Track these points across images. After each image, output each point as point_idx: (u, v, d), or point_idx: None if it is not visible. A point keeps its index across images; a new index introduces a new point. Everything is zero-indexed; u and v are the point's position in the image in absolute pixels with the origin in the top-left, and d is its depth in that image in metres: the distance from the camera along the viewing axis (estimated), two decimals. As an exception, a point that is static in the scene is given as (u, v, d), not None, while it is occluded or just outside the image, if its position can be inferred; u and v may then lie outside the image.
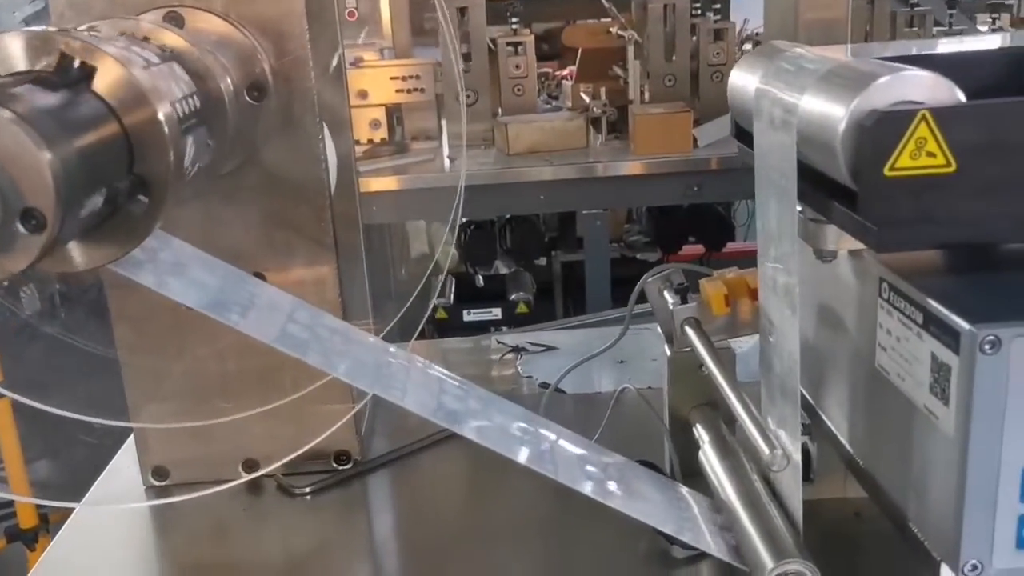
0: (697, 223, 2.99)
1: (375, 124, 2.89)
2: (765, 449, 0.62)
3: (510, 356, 1.26)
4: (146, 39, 0.70)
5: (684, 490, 0.82)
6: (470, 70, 2.82)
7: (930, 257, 0.61)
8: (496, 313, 2.94)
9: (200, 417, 0.90)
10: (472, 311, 2.96)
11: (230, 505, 0.94)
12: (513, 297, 2.97)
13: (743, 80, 0.77)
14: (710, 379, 0.77)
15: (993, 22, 2.94)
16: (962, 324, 0.53)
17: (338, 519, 0.94)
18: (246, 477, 0.93)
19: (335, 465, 0.98)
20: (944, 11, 2.94)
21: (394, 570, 0.89)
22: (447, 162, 2.69)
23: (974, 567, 0.55)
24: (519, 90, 2.79)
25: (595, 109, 2.67)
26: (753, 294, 0.78)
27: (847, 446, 0.72)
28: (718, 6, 2.78)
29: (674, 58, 2.76)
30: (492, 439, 0.72)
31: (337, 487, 0.96)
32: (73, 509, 0.93)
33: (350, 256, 1.08)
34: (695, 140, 2.54)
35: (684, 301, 0.81)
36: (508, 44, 2.78)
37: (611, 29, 2.88)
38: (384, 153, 2.85)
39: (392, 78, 2.86)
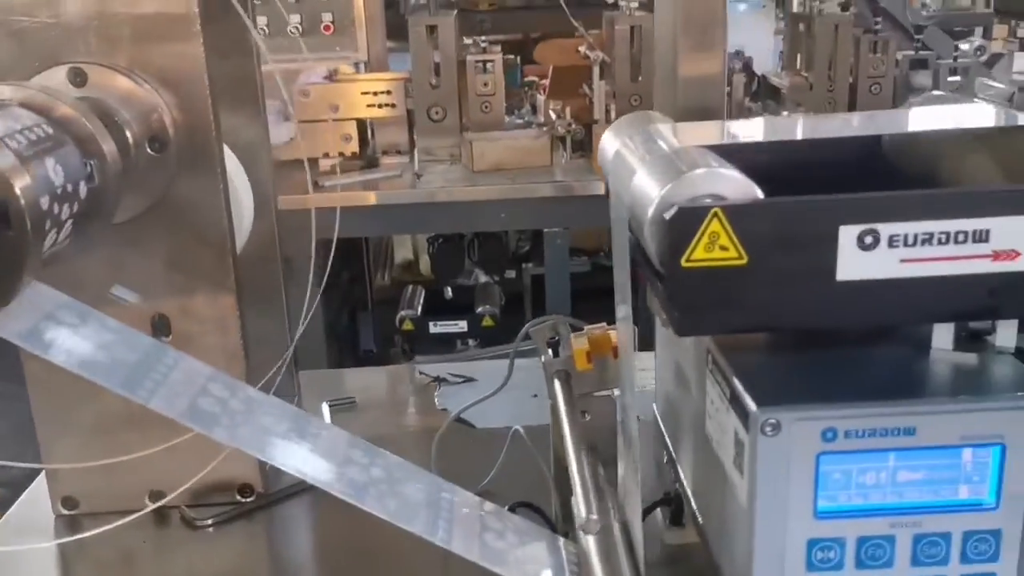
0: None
1: (346, 138, 2.93)
2: (583, 512, 0.66)
3: (431, 385, 1.30)
4: (39, 109, 0.74)
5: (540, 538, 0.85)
6: (439, 86, 2.86)
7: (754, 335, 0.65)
8: (462, 326, 2.98)
9: (108, 450, 0.94)
10: (438, 323, 2.99)
11: (135, 536, 0.98)
12: (480, 310, 3.00)
13: (609, 144, 0.81)
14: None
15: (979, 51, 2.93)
16: (751, 405, 0.57)
17: (239, 551, 0.98)
18: (150, 507, 0.97)
19: (239, 498, 1.02)
20: (908, 36, 2.98)
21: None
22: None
23: (766, 630, 0.59)
24: (487, 107, 2.83)
25: (559, 128, 2.71)
26: (616, 351, 0.82)
27: (692, 499, 0.76)
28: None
29: (640, 78, 2.80)
30: (395, 514, 0.74)
31: (240, 519, 1.00)
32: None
33: (266, 289, 1.12)
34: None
35: (556, 354, 0.85)
36: (476, 62, 2.82)
37: (579, 48, 2.92)
38: (354, 167, 2.89)
39: (363, 93, 2.90)
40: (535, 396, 1.24)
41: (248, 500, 1.02)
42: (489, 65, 2.84)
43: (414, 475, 0.78)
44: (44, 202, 0.65)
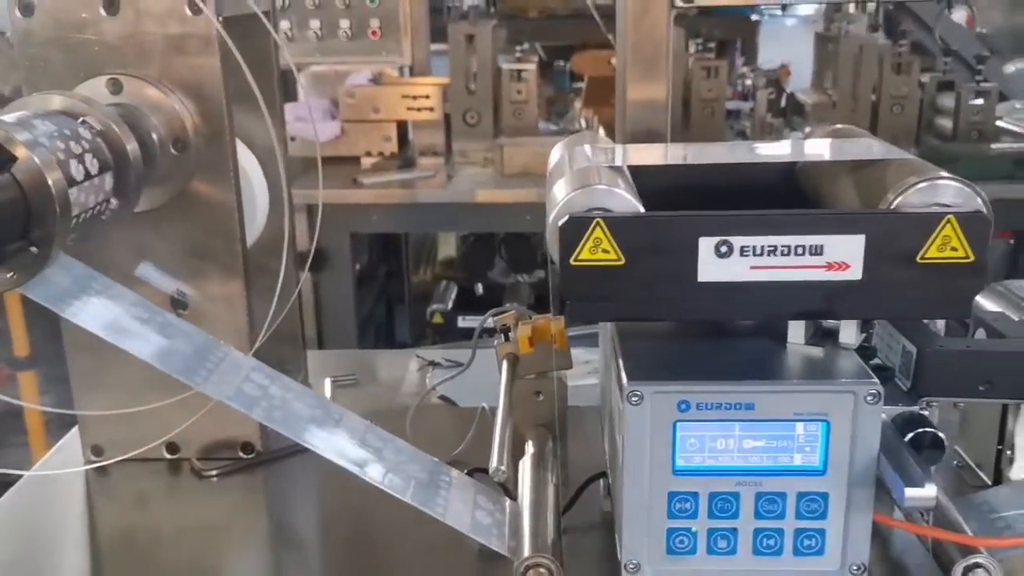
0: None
1: (386, 138, 3.09)
2: (493, 463, 0.79)
3: (426, 368, 1.44)
4: (79, 116, 0.89)
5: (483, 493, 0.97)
6: (475, 92, 3.01)
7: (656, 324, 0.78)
8: (488, 321, 3.11)
9: (132, 405, 1.10)
10: (466, 317, 3.14)
11: (153, 482, 1.14)
12: (506, 307, 3.13)
13: (552, 158, 0.94)
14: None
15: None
16: (623, 379, 0.70)
17: (238, 499, 1.13)
18: (167, 458, 1.13)
19: (241, 454, 1.17)
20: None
21: (281, 547, 1.08)
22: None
23: (634, 567, 0.72)
24: (519, 113, 2.96)
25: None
26: (555, 339, 0.95)
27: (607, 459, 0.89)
28: (712, 45, 2.93)
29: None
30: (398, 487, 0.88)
31: (241, 472, 1.15)
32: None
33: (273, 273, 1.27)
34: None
35: (507, 339, 0.98)
36: (511, 70, 2.95)
37: (611, 60, 3.04)
38: (391, 167, 3.05)
39: (404, 96, 3.06)
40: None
41: (249, 457, 1.17)
42: (524, 74, 2.98)
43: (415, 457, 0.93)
44: (73, 192, 0.80)
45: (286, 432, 0.90)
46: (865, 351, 0.76)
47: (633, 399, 0.69)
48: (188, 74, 1.04)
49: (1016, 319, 0.97)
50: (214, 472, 1.15)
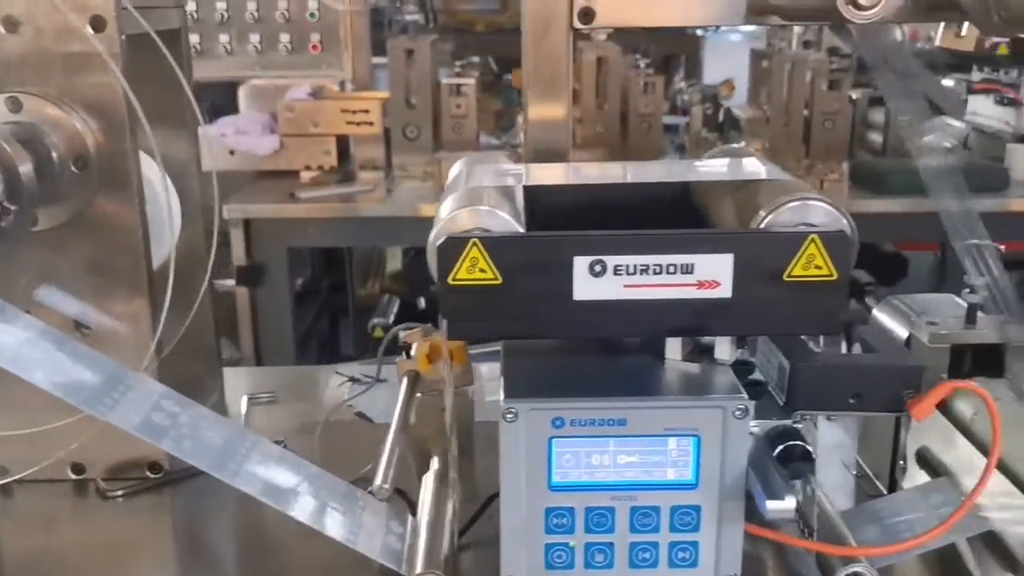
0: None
1: (326, 152, 3.09)
2: (377, 481, 0.79)
3: (346, 385, 1.45)
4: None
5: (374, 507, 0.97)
6: (415, 107, 3.02)
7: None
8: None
9: (36, 425, 1.08)
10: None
11: (58, 503, 1.12)
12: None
13: (449, 177, 0.95)
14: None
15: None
16: (501, 397, 0.71)
17: (145, 520, 1.12)
18: (72, 478, 1.12)
19: (148, 474, 1.16)
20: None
21: (188, 567, 1.07)
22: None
23: (513, 581, 0.73)
24: (459, 128, 2.98)
25: (520, 150, 2.85)
26: (451, 355, 0.96)
27: (502, 483, 0.89)
28: (649, 62, 2.97)
29: (605, 107, 2.95)
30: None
31: (147, 492, 1.15)
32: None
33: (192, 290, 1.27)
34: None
35: (408, 356, 0.99)
36: (451, 86, 2.97)
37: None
38: (331, 180, 3.04)
39: (343, 111, 3.06)
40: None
41: (156, 476, 1.16)
42: (463, 88, 2.99)
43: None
44: (-43, 212, 0.79)
45: (197, 464, 0.88)
46: (744, 366, 0.78)
47: (508, 416, 0.70)
48: (89, 92, 1.04)
49: (906, 334, 1.00)
50: (120, 492, 1.14)
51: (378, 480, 0.79)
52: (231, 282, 2.80)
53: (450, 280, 0.71)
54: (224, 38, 3.10)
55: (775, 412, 0.78)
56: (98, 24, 1.02)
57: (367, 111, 3.03)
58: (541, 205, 0.79)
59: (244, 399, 1.38)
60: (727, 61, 5.13)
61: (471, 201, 0.73)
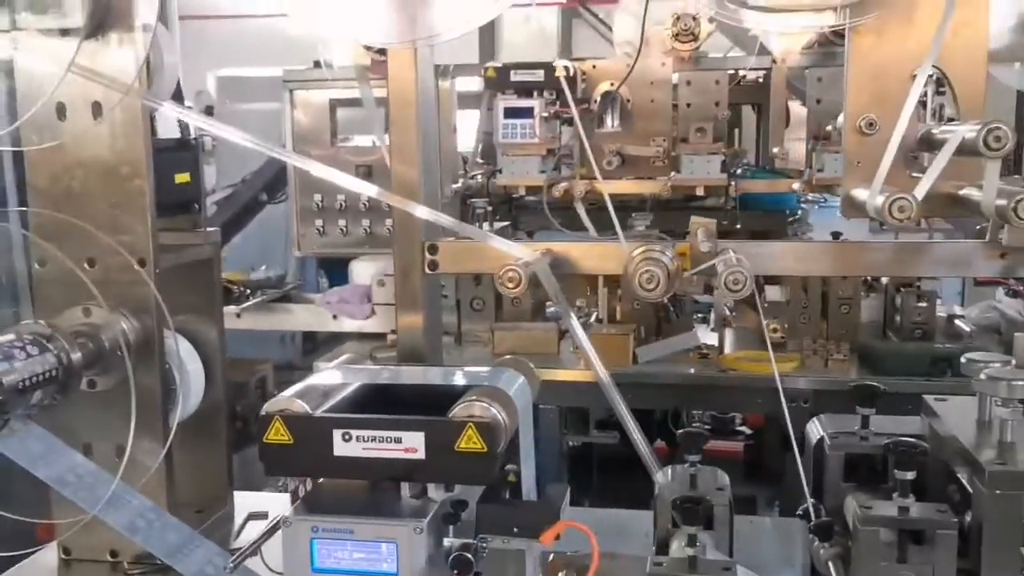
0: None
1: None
2: (231, 562, 1.28)
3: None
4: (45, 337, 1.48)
5: None
6: (480, 283, 3.58)
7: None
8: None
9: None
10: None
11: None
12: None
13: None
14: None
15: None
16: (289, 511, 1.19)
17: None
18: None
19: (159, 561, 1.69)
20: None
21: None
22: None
23: (294, 628, 1.20)
24: (517, 302, 3.50)
25: (561, 324, 3.33)
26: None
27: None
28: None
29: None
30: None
31: (158, 572, 1.67)
32: None
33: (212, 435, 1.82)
34: (635, 356, 3.16)
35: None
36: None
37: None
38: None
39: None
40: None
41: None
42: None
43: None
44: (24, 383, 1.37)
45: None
46: (460, 502, 1.22)
47: (286, 525, 1.18)
48: (133, 303, 1.63)
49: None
50: (138, 571, 1.67)
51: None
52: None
53: (264, 440, 1.21)
54: (342, 222, 3.79)
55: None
56: (142, 262, 1.62)
57: (443, 284, 3.61)
58: (355, 393, 1.29)
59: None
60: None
61: (293, 392, 1.24)
